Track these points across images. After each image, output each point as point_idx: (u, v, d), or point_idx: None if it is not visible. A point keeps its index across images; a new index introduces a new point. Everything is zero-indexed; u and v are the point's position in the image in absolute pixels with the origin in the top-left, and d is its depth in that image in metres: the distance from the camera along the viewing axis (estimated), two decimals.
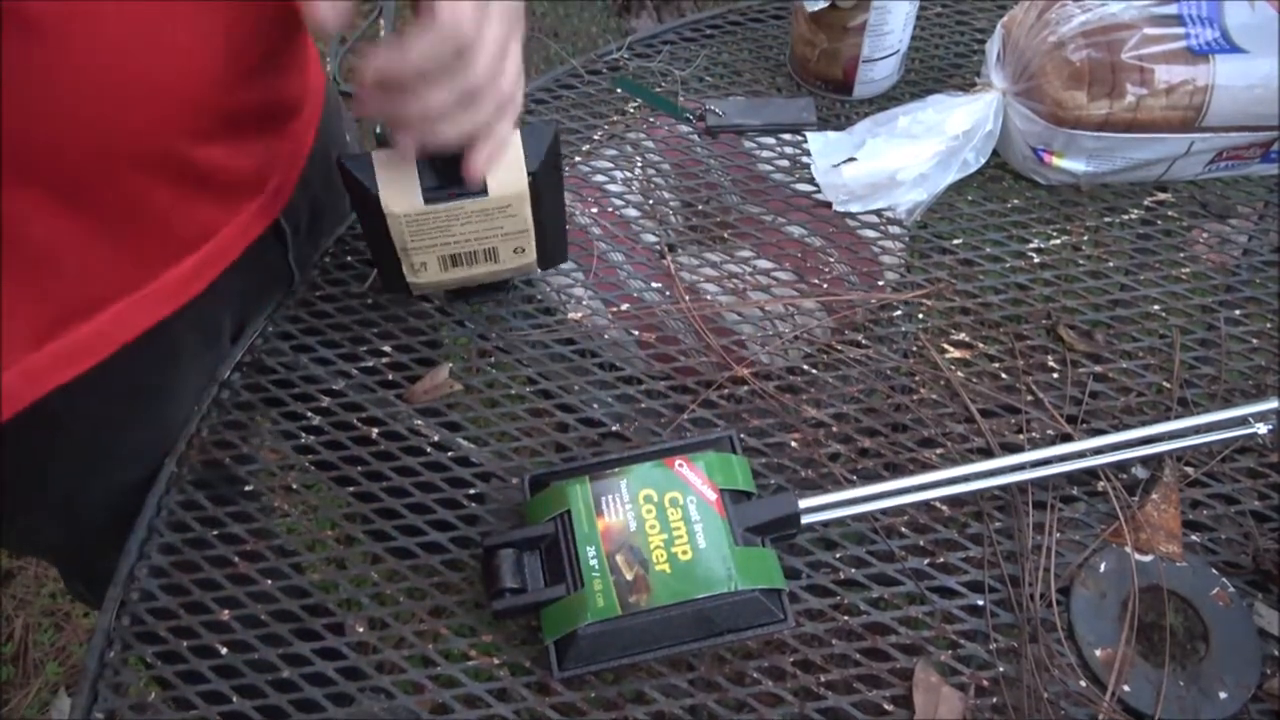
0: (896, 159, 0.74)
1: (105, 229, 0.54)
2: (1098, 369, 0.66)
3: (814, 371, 0.67)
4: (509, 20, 0.52)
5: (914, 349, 0.68)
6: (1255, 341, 0.67)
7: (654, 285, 0.72)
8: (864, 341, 0.68)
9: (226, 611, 0.56)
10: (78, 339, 0.57)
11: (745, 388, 0.65)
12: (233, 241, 0.64)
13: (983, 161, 0.76)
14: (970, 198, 0.77)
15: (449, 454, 0.63)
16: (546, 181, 0.59)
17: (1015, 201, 0.77)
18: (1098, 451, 0.59)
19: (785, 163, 0.80)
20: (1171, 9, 0.72)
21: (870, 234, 0.74)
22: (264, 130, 0.64)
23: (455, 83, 0.50)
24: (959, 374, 0.66)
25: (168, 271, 0.60)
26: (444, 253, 0.61)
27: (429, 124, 0.52)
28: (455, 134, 0.53)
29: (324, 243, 0.75)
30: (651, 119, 0.84)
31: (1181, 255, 0.73)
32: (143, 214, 0.56)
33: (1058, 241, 0.74)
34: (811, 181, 0.77)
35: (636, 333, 0.69)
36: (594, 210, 0.77)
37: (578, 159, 0.81)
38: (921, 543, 0.58)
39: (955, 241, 0.74)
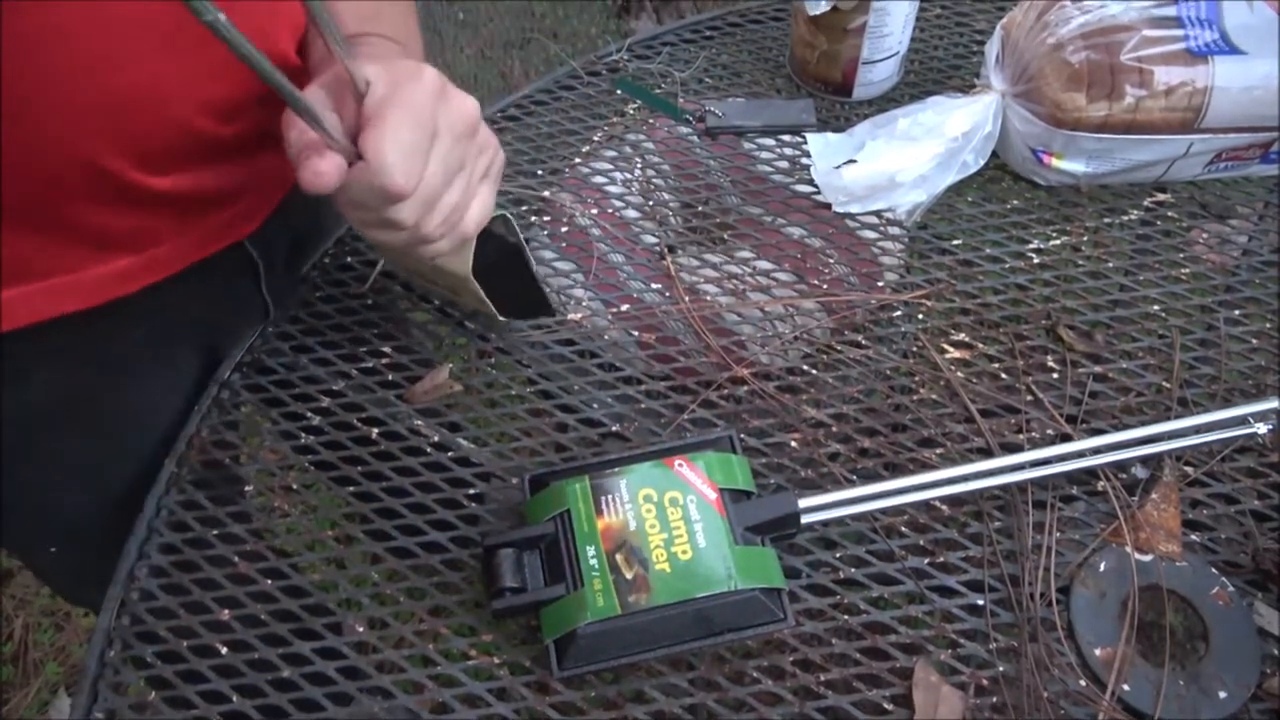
0: (896, 160, 0.75)
1: (16, 220, 0.52)
2: (1097, 369, 0.66)
3: (814, 372, 0.67)
4: (460, 155, 0.50)
5: (914, 349, 0.68)
6: (1255, 341, 0.67)
7: (654, 286, 0.72)
8: (864, 342, 0.68)
9: (226, 611, 0.56)
10: None
11: (745, 388, 0.65)
12: (179, 254, 0.62)
13: (982, 163, 0.76)
14: (970, 199, 0.77)
15: (449, 454, 0.63)
16: (494, 276, 0.60)
17: (1015, 202, 0.77)
18: (1097, 451, 0.59)
19: (785, 164, 0.80)
20: (1170, 10, 0.72)
21: (870, 235, 0.74)
22: (245, 156, 0.61)
23: (376, 214, 0.48)
24: (959, 374, 0.66)
25: (88, 269, 0.58)
26: (410, 265, 0.61)
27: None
28: (380, 241, 0.52)
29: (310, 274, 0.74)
30: (651, 120, 0.84)
31: (1181, 256, 0.73)
32: (66, 217, 0.54)
33: (1057, 242, 0.74)
34: (811, 183, 0.77)
35: (636, 333, 0.69)
36: (594, 211, 0.77)
37: (578, 160, 0.81)
38: (921, 542, 0.58)
39: (955, 242, 0.74)
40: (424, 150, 0.47)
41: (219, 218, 0.63)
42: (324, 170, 0.45)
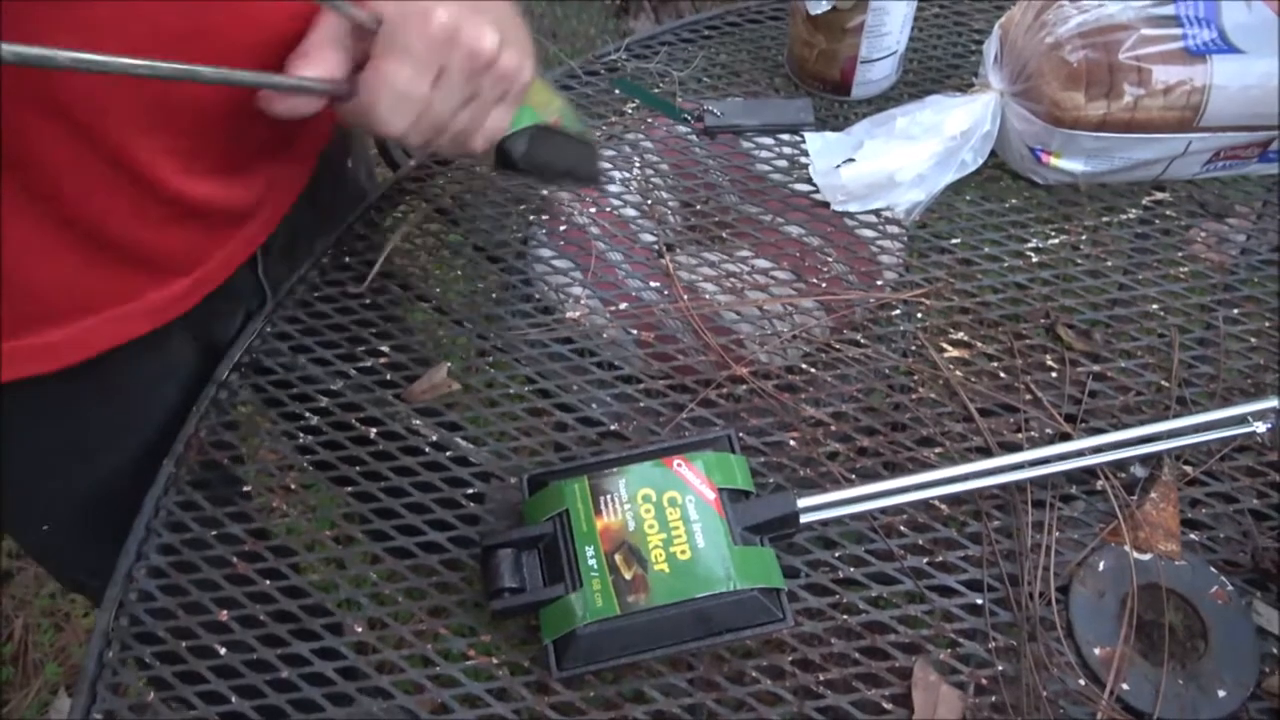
0: (895, 159, 0.74)
1: (87, 249, 0.54)
2: (1096, 368, 0.66)
3: (813, 370, 0.67)
4: (472, 88, 0.51)
5: (913, 348, 0.68)
6: (1253, 340, 0.67)
7: (652, 284, 0.72)
8: (863, 341, 0.68)
9: (225, 612, 0.56)
10: (46, 342, 0.57)
11: (744, 387, 0.65)
12: (222, 266, 0.64)
13: (981, 161, 0.76)
14: (968, 197, 0.77)
15: (447, 454, 0.63)
16: (528, 169, 0.61)
17: (1013, 201, 0.77)
18: (1096, 450, 0.59)
19: (783, 163, 0.80)
20: (1169, 9, 0.72)
21: (869, 234, 0.74)
22: (270, 159, 0.63)
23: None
24: (958, 373, 0.66)
25: (147, 295, 0.60)
26: None
27: None
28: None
29: (304, 259, 0.73)
30: (650, 120, 0.84)
31: (1179, 254, 0.73)
32: (120, 239, 0.56)
33: (1056, 241, 0.74)
34: (809, 181, 0.77)
35: (635, 332, 0.69)
36: (592, 210, 0.77)
37: None
38: (920, 541, 0.58)
39: (954, 241, 0.74)
40: (422, 93, 0.48)
41: (249, 228, 0.65)
42: (295, 106, 0.49)
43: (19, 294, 0.54)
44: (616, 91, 0.86)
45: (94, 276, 0.57)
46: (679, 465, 0.55)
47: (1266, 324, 0.68)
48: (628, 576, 0.51)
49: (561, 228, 0.76)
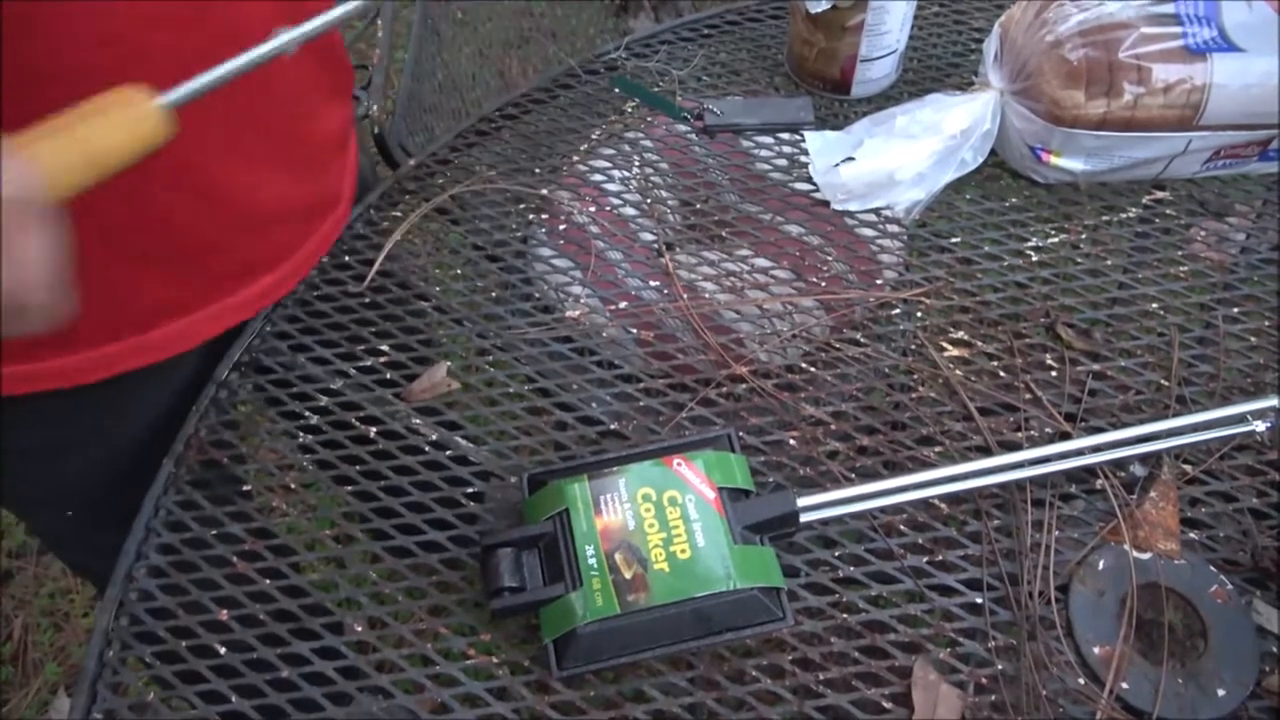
0: (894, 158, 0.74)
1: (183, 267, 0.60)
2: (1096, 367, 0.66)
3: (813, 370, 0.67)
4: None
5: (913, 347, 0.68)
6: (1253, 339, 0.67)
7: (652, 284, 0.72)
8: (862, 340, 0.68)
9: (225, 611, 0.56)
10: (152, 338, 0.63)
11: (744, 386, 0.65)
12: (305, 260, 0.70)
13: (981, 160, 0.76)
14: (968, 196, 0.77)
15: (447, 453, 0.63)
16: None
17: (1013, 200, 0.77)
18: (1096, 450, 0.59)
19: (783, 162, 0.80)
20: (1169, 8, 0.72)
21: (868, 233, 0.74)
22: (339, 153, 0.69)
23: None
24: (957, 372, 0.66)
25: (239, 293, 0.66)
26: None
27: None
28: None
29: None
30: (649, 118, 0.84)
31: (1179, 253, 0.73)
32: (225, 253, 0.62)
33: (1056, 240, 0.74)
34: (809, 180, 0.77)
35: (635, 331, 0.69)
36: (592, 209, 0.77)
37: (576, 158, 0.81)
38: (920, 541, 0.58)
39: (954, 240, 0.74)
40: None
41: (333, 216, 0.70)
42: None
43: (113, 307, 0.58)
44: (616, 90, 0.86)
45: (189, 286, 0.62)
46: (679, 464, 0.55)
47: (1266, 323, 0.68)
48: (628, 576, 0.51)
49: (561, 227, 0.76)
